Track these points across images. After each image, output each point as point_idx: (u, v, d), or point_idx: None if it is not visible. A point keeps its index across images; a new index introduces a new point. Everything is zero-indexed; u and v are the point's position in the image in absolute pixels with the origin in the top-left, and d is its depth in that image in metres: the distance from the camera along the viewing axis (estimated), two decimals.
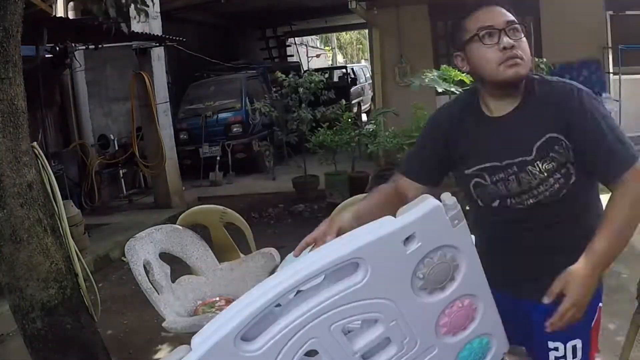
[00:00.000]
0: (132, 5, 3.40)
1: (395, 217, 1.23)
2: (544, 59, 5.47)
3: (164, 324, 2.40)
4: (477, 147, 1.53)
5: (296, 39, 17.56)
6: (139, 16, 3.50)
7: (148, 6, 3.67)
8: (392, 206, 1.32)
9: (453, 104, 1.70)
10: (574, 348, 1.51)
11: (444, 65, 5.42)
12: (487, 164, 1.50)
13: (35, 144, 2.67)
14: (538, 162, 1.43)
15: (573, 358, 1.52)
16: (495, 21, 1.43)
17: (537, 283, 1.40)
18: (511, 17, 1.44)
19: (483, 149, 1.51)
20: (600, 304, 1.55)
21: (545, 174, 1.43)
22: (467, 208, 1.55)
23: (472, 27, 1.45)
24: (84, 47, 6.52)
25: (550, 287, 1.34)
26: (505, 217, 1.52)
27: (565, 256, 1.37)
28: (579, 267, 1.33)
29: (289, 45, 16.43)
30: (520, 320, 1.52)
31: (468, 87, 5.22)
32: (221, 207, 3.19)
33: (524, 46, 1.42)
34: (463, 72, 1.59)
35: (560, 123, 1.41)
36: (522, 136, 1.45)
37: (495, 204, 1.51)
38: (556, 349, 1.52)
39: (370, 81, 12.00)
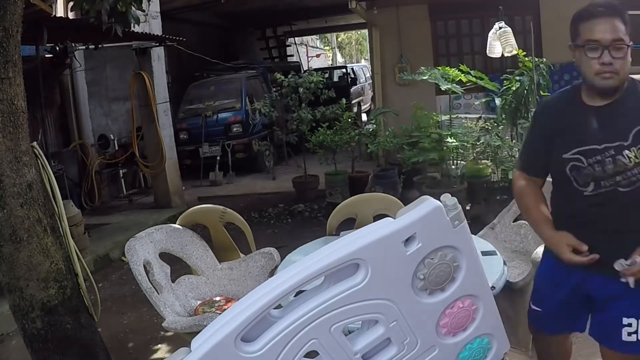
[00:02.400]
0: (131, 8, 3.40)
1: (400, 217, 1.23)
2: (544, 59, 5.46)
3: (163, 324, 2.40)
4: (577, 131, 1.71)
5: (296, 38, 17.55)
6: (132, 22, 3.49)
7: (144, 11, 3.67)
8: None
9: (556, 98, 1.94)
10: (630, 325, 1.68)
11: (442, 67, 5.43)
12: (587, 147, 1.68)
13: (35, 143, 2.67)
14: (634, 147, 1.61)
15: (628, 336, 1.69)
16: (602, 37, 1.61)
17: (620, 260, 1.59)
18: (619, 36, 1.61)
19: (582, 133, 1.70)
20: None
21: (626, 165, 1.61)
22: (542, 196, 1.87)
23: (584, 34, 1.67)
24: (84, 47, 6.52)
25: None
26: (597, 199, 1.68)
27: None
28: None
29: (289, 45, 16.42)
30: (594, 298, 1.74)
31: (468, 88, 5.25)
32: (221, 207, 3.19)
33: (625, 62, 1.62)
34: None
35: None
36: (620, 124, 1.64)
37: (590, 186, 1.68)
38: (630, 324, 1.69)
39: (370, 81, 12.00)
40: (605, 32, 1.62)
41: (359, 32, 25.14)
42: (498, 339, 1.42)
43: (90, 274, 2.98)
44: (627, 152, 1.61)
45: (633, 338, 1.72)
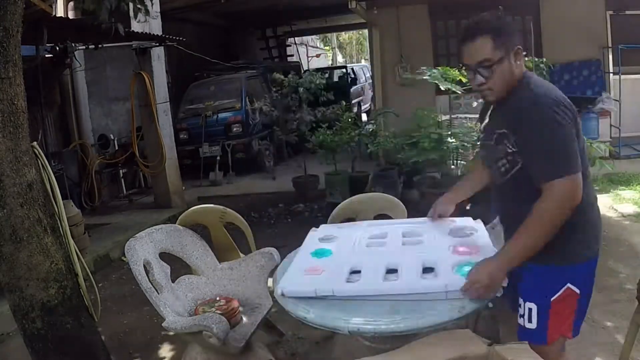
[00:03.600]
0: (131, 5, 3.40)
1: None
2: (544, 59, 5.46)
3: (163, 324, 2.40)
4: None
5: (296, 38, 17.55)
6: (136, 16, 3.49)
7: (146, 5, 3.67)
8: None
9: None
10: (530, 311, 1.79)
11: (442, 67, 5.42)
12: (482, 139, 2.01)
13: (35, 143, 2.67)
14: (497, 146, 1.81)
15: (529, 321, 1.80)
16: (470, 60, 1.77)
17: None
18: (484, 57, 1.73)
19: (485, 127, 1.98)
20: (570, 286, 1.78)
21: (497, 157, 1.83)
22: None
23: (460, 58, 1.84)
24: (84, 47, 6.52)
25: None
26: (493, 185, 1.98)
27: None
28: (490, 262, 1.73)
29: (289, 45, 16.42)
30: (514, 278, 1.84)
31: (468, 88, 5.25)
32: (221, 207, 3.19)
33: (495, 79, 1.75)
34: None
35: (512, 124, 1.74)
36: (493, 124, 1.87)
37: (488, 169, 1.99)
38: (520, 305, 1.83)
39: (370, 81, 12.00)
40: (470, 56, 1.76)
41: (359, 32, 25.14)
42: None
43: (90, 274, 2.98)
44: (492, 149, 1.86)
45: (521, 321, 1.84)
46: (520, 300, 1.83)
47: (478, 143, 1.91)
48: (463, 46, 1.78)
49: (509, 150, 1.76)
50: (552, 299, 1.78)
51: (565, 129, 1.66)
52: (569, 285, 1.78)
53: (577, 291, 1.79)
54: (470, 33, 1.76)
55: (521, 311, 1.82)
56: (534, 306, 1.79)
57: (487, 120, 1.94)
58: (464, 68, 1.87)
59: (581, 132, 1.77)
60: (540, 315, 1.79)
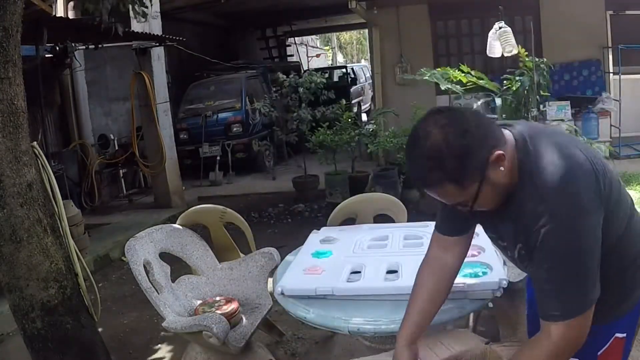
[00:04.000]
0: (131, 7, 3.40)
1: None
2: (544, 59, 5.46)
3: (163, 324, 2.40)
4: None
5: (296, 38, 17.54)
6: (136, 17, 3.50)
7: (147, 7, 3.68)
8: None
9: None
10: None
11: (442, 67, 5.43)
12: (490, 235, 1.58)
13: (35, 143, 2.67)
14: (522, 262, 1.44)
15: None
16: (445, 201, 1.36)
17: None
18: (455, 200, 1.33)
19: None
20: (619, 335, 1.51)
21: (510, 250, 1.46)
22: None
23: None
24: (84, 47, 6.52)
25: None
26: None
27: None
28: None
29: (289, 45, 16.41)
30: None
31: (468, 88, 5.25)
32: (221, 207, 3.19)
33: (481, 204, 1.33)
34: None
35: (527, 240, 1.33)
36: (505, 231, 1.45)
37: None
38: None
39: (370, 81, 12.00)
40: (443, 199, 1.35)
41: (360, 32, 25.14)
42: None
43: (90, 274, 2.98)
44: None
45: None
46: None
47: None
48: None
49: (523, 253, 1.41)
50: (599, 354, 1.53)
51: (586, 253, 1.28)
52: (616, 335, 1.52)
53: (624, 335, 1.54)
54: (426, 187, 1.32)
55: None
56: None
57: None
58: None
59: (614, 181, 1.38)
60: None
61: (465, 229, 1.59)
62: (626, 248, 1.43)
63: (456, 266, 1.61)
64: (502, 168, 1.28)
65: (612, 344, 1.53)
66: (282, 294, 1.92)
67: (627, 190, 1.49)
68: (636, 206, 1.50)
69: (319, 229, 2.62)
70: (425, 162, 1.26)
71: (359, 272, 1.99)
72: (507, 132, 1.35)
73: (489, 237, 1.58)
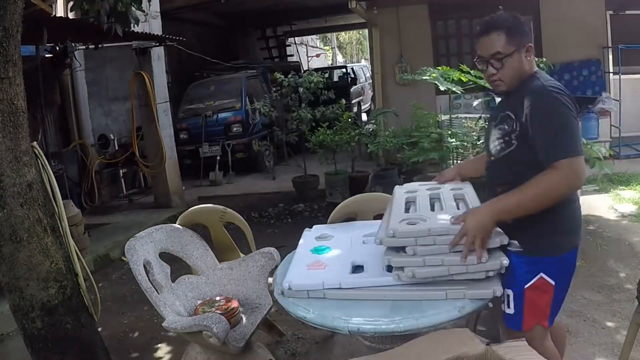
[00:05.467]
0: (128, 11, 3.40)
1: None
2: (544, 59, 5.46)
3: (163, 324, 2.40)
4: None
5: (296, 38, 17.56)
6: (131, 23, 3.50)
7: (144, 11, 3.68)
8: None
9: None
10: (508, 297, 1.90)
11: (442, 67, 5.42)
12: (488, 121, 2.11)
13: (35, 143, 2.67)
14: (497, 126, 1.96)
15: (508, 307, 1.92)
16: (484, 52, 1.91)
17: (503, 228, 1.84)
18: (496, 50, 1.88)
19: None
20: (544, 276, 1.88)
21: (495, 137, 1.96)
22: None
23: (476, 51, 1.98)
24: (84, 47, 6.52)
25: (511, 232, 1.83)
26: (486, 166, 2.11)
27: None
28: (480, 207, 1.84)
29: (289, 45, 16.42)
30: None
31: (468, 88, 5.25)
32: (221, 207, 3.19)
33: (506, 71, 1.89)
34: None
35: (518, 108, 1.85)
36: (500, 108, 2.01)
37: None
38: (508, 295, 1.91)
39: (370, 81, 12.01)
40: (484, 49, 1.91)
41: (359, 32, 25.14)
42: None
43: (90, 274, 2.98)
44: (494, 129, 1.98)
45: (503, 307, 1.93)
46: (508, 291, 1.92)
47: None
48: (478, 39, 1.93)
49: (507, 130, 1.89)
50: (525, 287, 1.88)
51: (573, 115, 1.77)
52: (542, 275, 1.88)
53: (552, 282, 1.89)
54: (485, 28, 1.90)
55: (503, 296, 1.89)
56: (510, 292, 1.90)
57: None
58: (477, 60, 1.97)
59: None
60: (516, 301, 1.90)
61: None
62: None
63: None
64: (528, 58, 1.90)
65: (538, 282, 1.88)
66: (290, 289, 1.91)
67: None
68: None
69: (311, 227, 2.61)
70: (501, 15, 1.91)
71: (361, 266, 1.99)
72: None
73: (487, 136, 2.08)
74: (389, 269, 1.90)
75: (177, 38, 6.91)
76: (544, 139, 1.78)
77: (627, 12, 7.78)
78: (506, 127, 1.91)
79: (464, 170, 2.37)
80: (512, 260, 1.82)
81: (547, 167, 1.75)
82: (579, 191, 2.01)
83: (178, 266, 3.00)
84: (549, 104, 1.79)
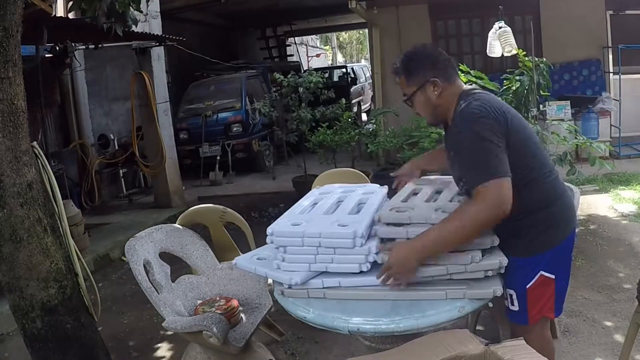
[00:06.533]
0: (125, 12, 3.40)
1: None
2: (544, 59, 5.45)
3: (163, 324, 2.40)
4: None
5: (296, 38, 17.56)
6: (129, 24, 3.51)
7: (142, 12, 3.69)
8: None
9: None
10: (511, 296, 1.93)
11: None
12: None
13: (35, 143, 2.67)
14: (452, 167, 1.99)
15: (512, 304, 1.94)
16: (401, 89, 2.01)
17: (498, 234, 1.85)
18: (403, 91, 2.00)
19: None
20: (543, 273, 1.90)
21: (456, 177, 2.01)
22: None
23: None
24: (83, 47, 6.52)
25: (506, 238, 1.83)
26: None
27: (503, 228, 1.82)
28: (404, 243, 1.80)
29: (289, 45, 16.42)
30: None
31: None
32: (221, 207, 3.20)
33: (418, 108, 1.99)
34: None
35: (452, 142, 1.93)
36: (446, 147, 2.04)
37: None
38: (510, 295, 1.94)
39: (370, 81, 12.01)
40: (401, 88, 2.01)
41: (359, 32, 25.14)
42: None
43: (90, 274, 2.98)
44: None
45: (506, 303, 1.96)
46: (510, 291, 1.95)
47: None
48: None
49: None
50: (527, 287, 1.91)
51: (485, 140, 1.75)
52: (541, 272, 1.90)
53: (552, 276, 1.91)
54: (394, 71, 2.03)
55: (505, 294, 1.93)
56: (513, 292, 1.93)
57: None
58: None
59: (527, 130, 1.91)
60: (519, 300, 1.92)
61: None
62: (542, 191, 1.89)
63: None
64: (435, 92, 1.92)
65: (539, 280, 1.90)
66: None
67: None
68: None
69: None
70: (403, 58, 2.04)
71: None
72: (462, 85, 2.00)
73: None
74: None
75: (177, 38, 6.91)
76: (462, 168, 1.86)
77: (627, 12, 7.78)
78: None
79: (423, 164, 2.43)
80: (510, 263, 1.83)
81: (471, 194, 1.77)
82: (571, 186, 2.07)
83: (178, 266, 3.00)
84: (460, 136, 1.83)
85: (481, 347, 1.54)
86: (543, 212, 1.89)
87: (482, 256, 1.80)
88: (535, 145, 1.93)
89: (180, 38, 7.02)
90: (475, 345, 1.56)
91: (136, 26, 3.71)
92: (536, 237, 1.90)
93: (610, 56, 7.80)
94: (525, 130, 1.91)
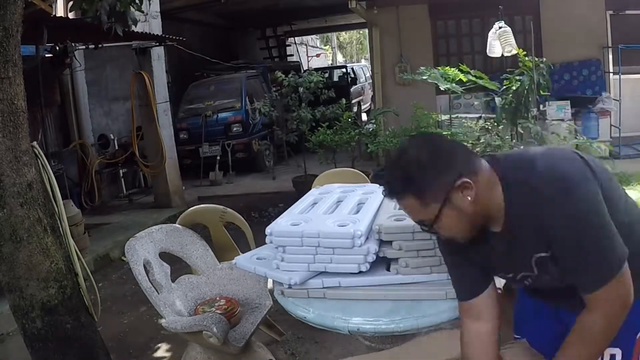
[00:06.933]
0: (126, 12, 3.41)
1: None
2: (544, 59, 5.46)
3: (163, 324, 2.40)
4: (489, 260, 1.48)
5: (296, 38, 17.55)
6: (129, 21, 3.51)
7: (143, 12, 3.69)
8: None
9: None
10: (612, 357, 1.44)
11: (442, 67, 5.43)
12: (503, 275, 1.52)
13: (35, 143, 2.67)
14: (544, 274, 1.39)
15: None
16: (411, 217, 1.40)
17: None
18: (418, 218, 1.37)
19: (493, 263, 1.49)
20: None
21: (557, 275, 1.38)
22: None
23: None
24: (84, 47, 6.52)
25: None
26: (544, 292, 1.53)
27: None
28: None
29: (289, 45, 16.42)
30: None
31: (468, 87, 5.24)
32: (221, 207, 3.19)
33: (447, 230, 1.37)
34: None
35: (542, 244, 1.33)
36: (516, 256, 1.40)
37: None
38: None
39: (370, 81, 12.01)
40: (408, 215, 1.40)
41: (359, 32, 25.13)
42: None
43: (90, 274, 2.98)
44: (543, 275, 1.40)
45: None
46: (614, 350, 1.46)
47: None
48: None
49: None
50: (638, 336, 1.43)
51: (598, 218, 1.27)
52: None
53: None
54: (391, 194, 1.36)
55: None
56: (618, 352, 1.44)
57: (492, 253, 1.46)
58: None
59: (610, 180, 1.40)
60: (625, 357, 1.45)
61: (483, 282, 1.52)
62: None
63: (495, 327, 1.52)
64: (469, 197, 1.30)
65: None
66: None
67: (627, 189, 1.49)
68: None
69: None
70: (395, 172, 1.33)
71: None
72: (485, 162, 1.36)
73: (501, 278, 1.55)
74: (388, 267, 1.91)
75: (177, 38, 6.91)
76: (578, 264, 1.31)
77: (627, 12, 7.78)
78: (554, 266, 1.36)
79: None
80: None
81: (587, 300, 1.33)
82: None
83: (178, 266, 3.00)
84: (577, 212, 1.26)
85: None
86: None
87: None
88: (621, 195, 1.43)
89: (180, 38, 7.02)
90: None
91: (136, 26, 3.70)
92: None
93: (610, 56, 7.79)
94: (608, 173, 1.41)
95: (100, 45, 6.35)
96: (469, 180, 1.29)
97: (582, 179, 1.28)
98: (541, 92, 4.93)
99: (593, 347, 1.34)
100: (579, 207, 1.26)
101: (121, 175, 7.75)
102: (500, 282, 1.63)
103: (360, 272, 1.86)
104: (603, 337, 1.32)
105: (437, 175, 1.29)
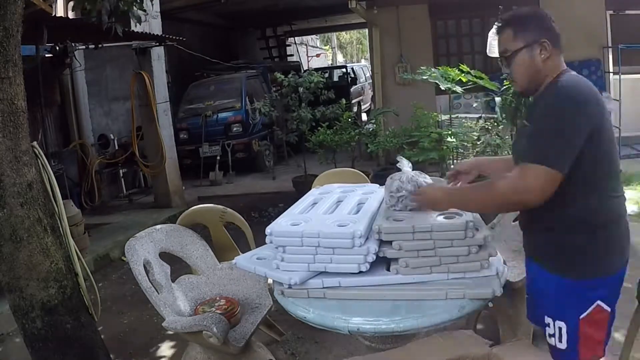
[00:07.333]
0: (129, 9, 3.41)
1: None
2: None
3: (163, 324, 2.40)
4: None
5: (296, 38, 17.56)
6: (133, 22, 3.51)
7: (145, 11, 3.69)
8: None
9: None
10: (560, 330, 1.67)
11: (442, 67, 5.42)
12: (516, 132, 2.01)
13: (35, 143, 2.67)
14: (521, 138, 1.79)
15: (559, 341, 1.67)
16: (498, 50, 1.80)
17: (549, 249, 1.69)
18: (504, 46, 1.76)
19: None
20: (602, 305, 1.66)
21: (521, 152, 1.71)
22: None
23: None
24: (84, 47, 6.52)
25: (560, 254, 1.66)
26: None
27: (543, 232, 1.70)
28: (439, 189, 1.90)
29: (289, 45, 16.42)
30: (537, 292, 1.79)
31: (468, 87, 5.24)
32: (221, 207, 3.20)
33: (516, 68, 1.75)
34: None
35: (534, 115, 1.72)
36: (527, 118, 1.81)
37: None
38: (548, 324, 1.71)
39: (370, 81, 12.01)
40: (498, 47, 1.81)
41: (359, 32, 25.14)
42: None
43: (90, 274, 2.98)
44: None
45: (552, 341, 1.71)
46: (548, 319, 1.71)
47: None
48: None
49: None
50: (580, 317, 1.65)
51: (566, 128, 1.55)
52: (598, 302, 1.66)
53: (608, 309, 1.69)
54: (499, 28, 1.80)
55: (550, 330, 1.69)
56: (563, 325, 1.67)
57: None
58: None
59: (611, 134, 1.68)
60: (569, 335, 1.66)
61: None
62: (609, 206, 1.67)
63: None
64: (542, 55, 1.72)
65: (595, 311, 1.65)
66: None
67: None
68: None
69: None
70: (514, 12, 1.81)
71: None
72: (561, 58, 1.81)
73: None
74: (388, 267, 1.91)
75: (177, 38, 6.91)
76: (529, 139, 1.63)
77: (627, 12, 7.78)
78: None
79: (485, 166, 2.12)
80: (563, 287, 1.64)
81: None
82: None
83: (178, 266, 3.00)
84: (550, 107, 1.61)
85: (485, 349, 1.54)
86: (607, 230, 1.66)
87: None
88: (613, 157, 1.70)
89: (180, 38, 7.02)
90: (479, 346, 1.56)
91: (140, 24, 3.71)
92: (598, 258, 1.65)
93: (610, 56, 7.80)
94: (609, 133, 1.67)
95: (100, 45, 6.35)
96: (549, 45, 1.72)
97: (585, 105, 1.59)
98: None
99: (489, 196, 1.68)
100: (563, 106, 1.58)
101: (121, 175, 7.76)
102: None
103: (360, 272, 1.86)
104: (498, 195, 1.63)
105: (535, 28, 1.73)
